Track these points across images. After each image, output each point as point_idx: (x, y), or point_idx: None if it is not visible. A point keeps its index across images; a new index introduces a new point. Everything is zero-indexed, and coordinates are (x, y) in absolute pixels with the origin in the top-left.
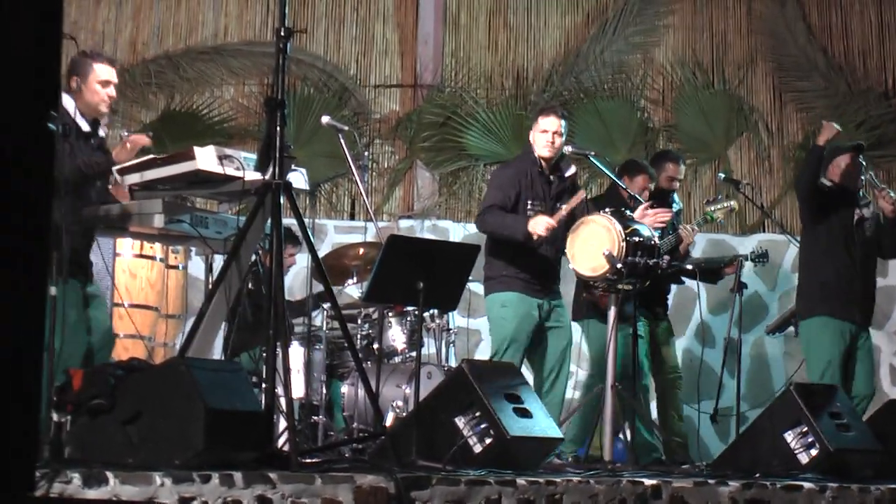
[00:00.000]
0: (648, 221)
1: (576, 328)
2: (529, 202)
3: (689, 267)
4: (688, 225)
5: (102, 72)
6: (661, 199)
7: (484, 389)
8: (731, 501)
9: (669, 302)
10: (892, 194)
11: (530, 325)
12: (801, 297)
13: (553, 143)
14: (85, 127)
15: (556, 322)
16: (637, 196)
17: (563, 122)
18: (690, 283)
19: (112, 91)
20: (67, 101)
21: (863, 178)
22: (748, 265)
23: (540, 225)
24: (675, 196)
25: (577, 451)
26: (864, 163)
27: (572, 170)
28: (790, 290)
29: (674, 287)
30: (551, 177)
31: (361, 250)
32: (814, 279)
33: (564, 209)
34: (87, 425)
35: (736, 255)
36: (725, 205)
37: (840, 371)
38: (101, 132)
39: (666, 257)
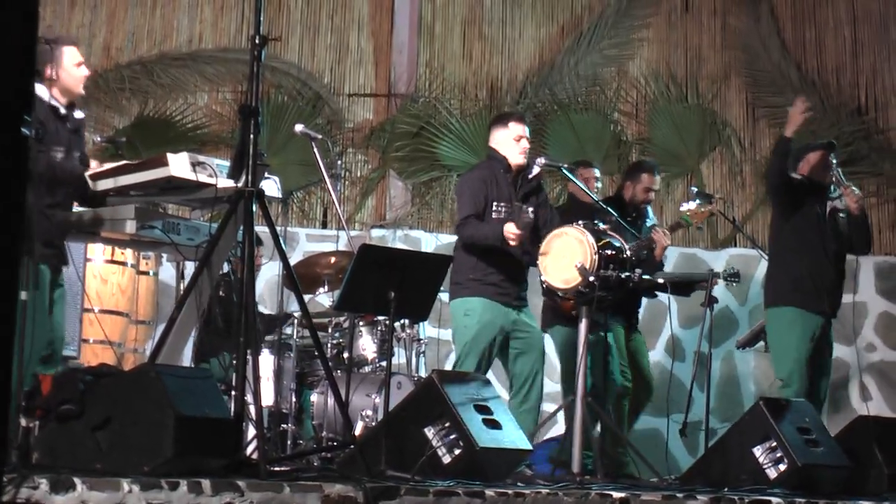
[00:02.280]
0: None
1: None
2: (495, 203)
3: (661, 281)
4: (660, 228)
5: (70, 53)
6: (636, 211)
7: (453, 400)
8: None
9: (640, 315)
10: (856, 191)
11: (492, 334)
12: (770, 287)
13: (526, 149)
14: (62, 110)
15: (526, 331)
16: (606, 206)
17: (527, 127)
18: (662, 296)
19: (84, 70)
20: (41, 90)
21: (832, 173)
22: (718, 270)
23: (512, 232)
24: (650, 210)
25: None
26: (834, 160)
27: (536, 170)
28: (760, 305)
29: (644, 300)
30: (518, 179)
31: (333, 259)
32: (784, 273)
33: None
34: (56, 431)
35: (712, 271)
36: (702, 209)
37: (807, 367)
38: (79, 114)
39: (638, 270)
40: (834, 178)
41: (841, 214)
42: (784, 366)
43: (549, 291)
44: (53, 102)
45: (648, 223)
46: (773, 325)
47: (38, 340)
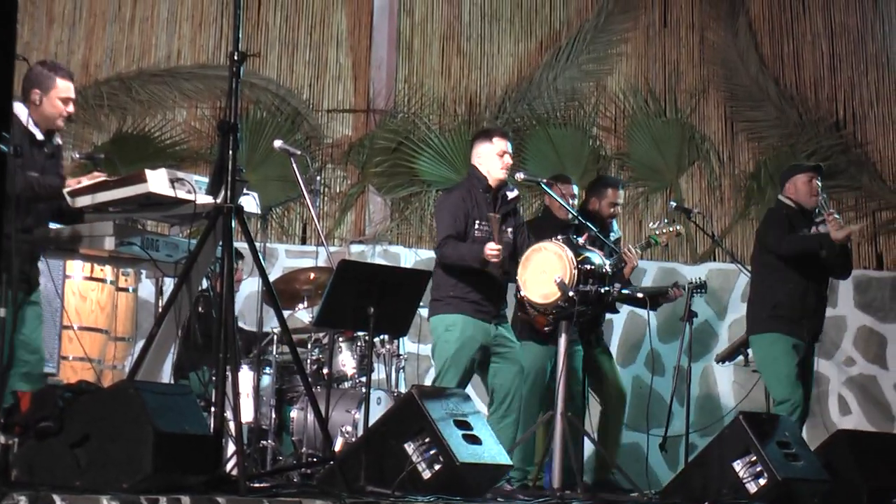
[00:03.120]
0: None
1: None
2: (476, 222)
3: (640, 295)
4: (631, 247)
5: (64, 87)
6: (601, 226)
7: (433, 415)
8: None
9: (619, 330)
10: (838, 218)
11: (473, 350)
12: (752, 314)
13: (509, 164)
14: (39, 136)
15: (506, 347)
16: (581, 219)
17: (510, 143)
18: (641, 312)
19: (71, 107)
20: (20, 110)
21: (818, 198)
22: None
23: (492, 253)
24: (615, 224)
25: (524, 478)
26: (820, 184)
27: (515, 192)
28: (740, 319)
29: (621, 315)
30: (497, 197)
31: (312, 275)
32: (767, 300)
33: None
34: (35, 448)
35: (676, 283)
36: (670, 228)
37: (801, 384)
38: (56, 140)
39: (617, 285)
40: (819, 203)
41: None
42: (778, 385)
43: (522, 305)
44: (31, 127)
45: (613, 237)
46: (758, 351)
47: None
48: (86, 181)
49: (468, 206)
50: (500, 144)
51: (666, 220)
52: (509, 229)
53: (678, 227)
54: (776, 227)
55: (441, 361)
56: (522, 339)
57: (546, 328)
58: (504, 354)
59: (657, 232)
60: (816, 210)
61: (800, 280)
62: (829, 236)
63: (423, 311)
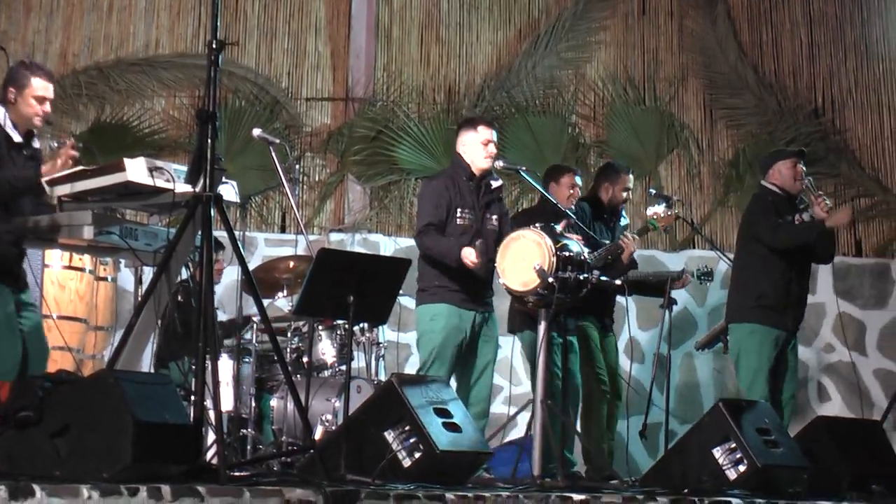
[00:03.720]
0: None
1: (507, 341)
2: (459, 210)
3: (619, 282)
4: (627, 233)
5: (39, 87)
6: (612, 212)
7: (413, 403)
8: None
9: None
10: (827, 202)
11: (458, 339)
12: (733, 302)
13: (493, 154)
14: (16, 138)
15: (487, 335)
16: (567, 210)
17: (495, 132)
18: (620, 299)
19: (48, 107)
20: None
21: (803, 182)
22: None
23: (469, 258)
24: (623, 211)
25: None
26: (804, 168)
27: (499, 182)
28: (719, 307)
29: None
30: (480, 185)
31: (292, 263)
32: (749, 289)
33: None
34: (15, 437)
35: (683, 271)
36: (669, 212)
37: (769, 378)
38: (35, 144)
39: (596, 272)
40: (805, 187)
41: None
42: (745, 376)
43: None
44: (9, 129)
45: (623, 223)
46: (735, 339)
47: (8, 360)
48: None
49: (451, 194)
50: (484, 133)
51: (665, 205)
52: (493, 217)
53: (677, 211)
54: (766, 215)
55: (426, 352)
56: (521, 330)
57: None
58: (482, 341)
59: (654, 216)
60: (800, 197)
61: (785, 269)
62: (822, 222)
63: (403, 300)
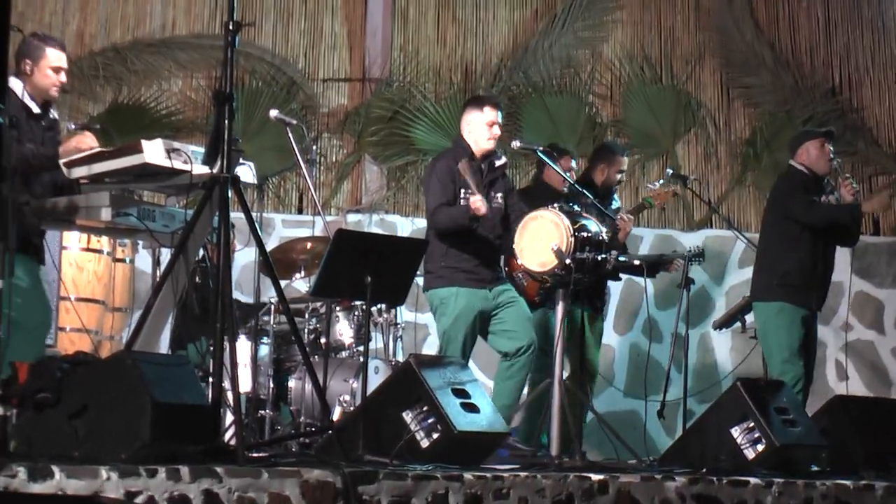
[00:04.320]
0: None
1: None
2: (463, 190)
3: (637, 262)
4: (624, 214)
5: (54, 57)
6: (606, 194)
7: (431, 384)
8: (678, 496)
9: (616, 297)
10: (854, 185)
11: (470, 319)
12: (759, 281)
13: (497, 135)
14: (35, 109)
15: (509, 302)
16: (579, 187)
17: (501, 114)
18: (638, 279)
19: (63, 77)
20: (15, 84)
21: (832, 164)
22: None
23: (480, 207)
24: (615, 193)
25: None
26: (832, 149)
27: (503, 160)
28: (737, 286)
29: (619, 283)
30: (482, 165)
31: (309, 244)
32: (776, 268)
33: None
34: (33, 419)
35: (676, 252)
36: (665, 189)
37: (801, 358)
38: (53, 114)
39: (614, 252)
40: (832, 169)
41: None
42: (776, 361)
43: (510, 276)
44: (27, 100)
45: (614, 205)
46: (762, 319)
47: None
48: (77, 142)
49: (454, 175)
50: (490, 114)
51: (661, 182)
52: (499, 195)
53: (673, 189)
54: (798, 193)
55: (441, 336)
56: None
57: (536, 297)
58: (508, 308)
59: (651, 194)
60: (826, 179)
61: (812, 250)
62: (857, 206)
63: (420, 280)
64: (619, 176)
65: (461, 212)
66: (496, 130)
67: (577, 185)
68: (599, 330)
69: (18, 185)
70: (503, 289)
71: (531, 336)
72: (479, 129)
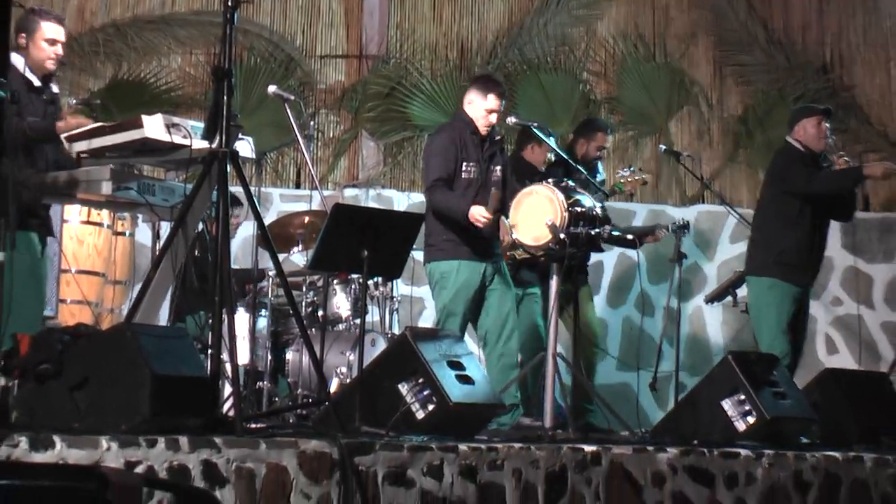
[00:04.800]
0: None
1: None
2: (464, 164)
3: (630, 237)
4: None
5: (49, 30)
6: (588, 167)
7: (426, 356)
8: (670, 468)
9: (610, 271)
10: (849, 161)
11: (470, 293)
12: (755, 255)
13: (492, 123)
14: (36, 82)
15: (499, 284)
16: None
17: (503, 102)
18: (631, 253)
19: (59, 49)
20: (17, 59)
21: (828, 141)
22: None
23: (479, 218)
24: (600, 165)
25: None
26: (829, 126)
27: (500, 135)
28: (729, 260)
29: (612, 258)
30: (484, 139)
31: (307, 219)
32: (772, 244)
33: (493, 201)
34: (34, 390)
35: (658, 224)
36: (636, 177)
37: (789, 334)
38: (54, 88)
39: (608, 227)
40: (828, 146)
41: None
42: (765, 335)
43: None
44: (28, 74)
45: (599, 178)
46: (754, 293)
47: (34, 307)
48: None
49: (458, 148)
50: (492, 103)
51: (633, 169)
52: (497, 168)
53: (644, 177)
54: (797, 166)
55: (439, 308)
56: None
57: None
58: (496, 292)
59: (621, 180)
60: (822, 154)
61: (810, 228)
62: (859, 171)
63: (416, 254)
64: (599, 152)
65: (459, 209)
66: (493, 118)
67: (571, 161)
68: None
69: (22, 159)
70: (497, 268)
71: (511, 321)
72: (478, 112)
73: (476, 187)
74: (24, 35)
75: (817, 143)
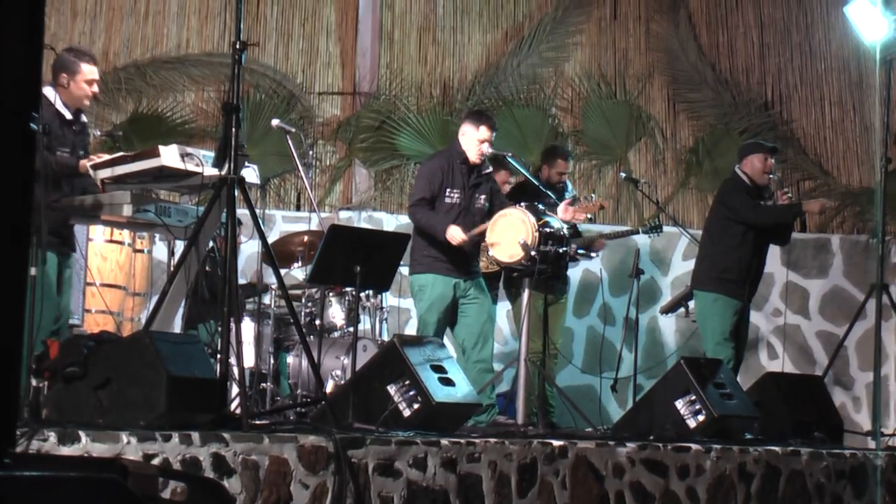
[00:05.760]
0: (569, 217)
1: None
2: (448, 190)
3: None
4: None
5: (88, 71)
6: (555, 191)
7: (412, 361)
8: (629, 461)
9: (575, 285)
10: (790, 196)
11: (443, 306)
12: (700, 271)
13: (485, 151)
14: (68, 115)
15: (474, 298)
16: (545, 189)
17: (494, 133)
18: (594, 269)
19: (95, 88)
20: (49, 93)
21: (772, 177)
22: (644, 245)
23: (455, 237)
24: (568, 184)
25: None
26: (774, 162)
27: (489, 169)
28: (681, 276)
29: (577, 273)
30: (472, 170)
31: (306, 238)
32: (717, 262)
33: (477, 231)
34: (63, 390)
35: (599, 233)
36: (592, 203)
37: (732, 342)
38: (83, 118)
39: (574, 245)
40: (772, 181)
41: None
42: (710, 343)
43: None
44: (60, 107)
45: (568, 195)
46: (699, 306)
47: (45, 317)
48: (106, 157)
49: (444, 175)
50: (484, 134)
51: (593, 196)
52: (482, 196)
53: (601, 201)
54: (744, 196)
55: (419, 316)
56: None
57: None
58: (471, 305)
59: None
60: (766, 187)
61: (751, 248)
62: (798, 206)
63: (404, 270)
64: (560, 177)
65: (439, 227)
66: (486, 148)
67: (541, 187)
68: (562, 310)
69: (51, 185)
70: (474, 283)
71: (486, 331)
72: (471, 143)
73: (457, 212)
74: (65, 75)
75: (761, 178)
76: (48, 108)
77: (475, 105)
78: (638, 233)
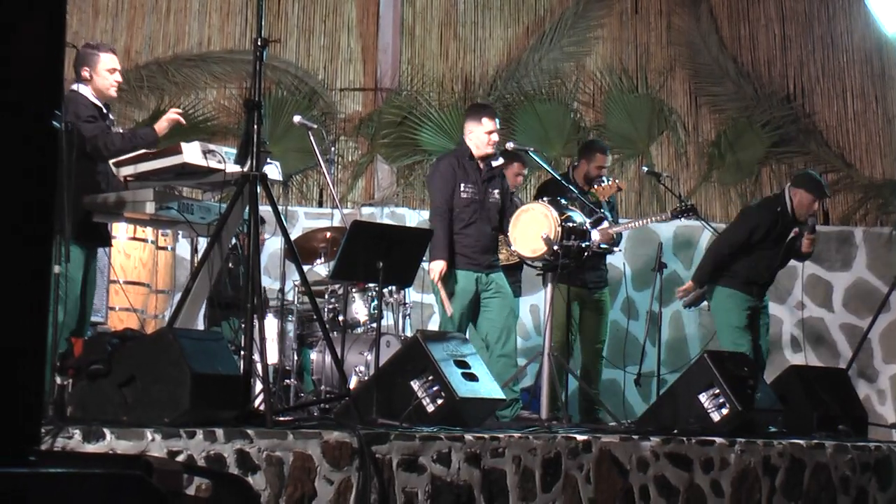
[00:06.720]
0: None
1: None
2: (463, 185)
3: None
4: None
5: (108, 60)
6: (590, 186)
7: (436, 356)
8: (653, 454)
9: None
10: (814, 240)
11: (465, 300)
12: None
13: (495, 141)
14: (104, 109)
15: (496, 292)
16: (567, 184)
17: (497, 120)
18: (617, 263)
19: (118, 77)
20: (84, 90)
21: (810, 218)
22: (666, 239)
23: (433, 270)
24: (605, 179)
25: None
26: (816, 207)
27: (500, 161)
28: None
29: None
30: (481, 164)
31: (328, 234)
32: (728, 262)
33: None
34: (87, 387)
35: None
36: (609, 186)
37: (749, 332)
38: (111, 115)
39: (595, 239)
40: (808, 222)
41: (798, 241)
42: (726, 336)
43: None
44: (97, 102)
45: (603, 184)
46: (714, 300)
47: (69, 315)
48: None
49: (457, 173)
50: (488, 125)
51: (609, 179)
52: (495, 191)
53: (618, 183)
54: (747, 233)
55: (441, 312)
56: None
57: None
58: (494, 299)
59: (596, 189)
60: (799, 225)
61: (764, 262)
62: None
63: (426, 265)
64: (599, 171)
65: (434, 251)
66: (494, 137)
67: (563, 181)
68: (598, 302)
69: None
70: (495, 277)
71: (509, 325)
72: (480, 137)
73: (474, 207)
74: (87, 68)
75: (802, 214)
76: (86, 102)
77: (496, 101)
78: (671, 218)
